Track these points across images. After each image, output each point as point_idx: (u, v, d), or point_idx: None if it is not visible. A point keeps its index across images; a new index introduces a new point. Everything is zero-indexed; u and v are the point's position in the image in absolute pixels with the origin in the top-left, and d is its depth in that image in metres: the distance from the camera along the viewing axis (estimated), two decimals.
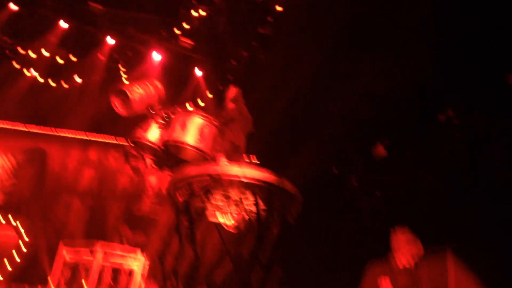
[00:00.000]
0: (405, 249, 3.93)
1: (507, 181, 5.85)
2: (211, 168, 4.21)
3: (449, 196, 6.64)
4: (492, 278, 4.00)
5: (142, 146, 4.87)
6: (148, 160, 4.93)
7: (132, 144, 4.89)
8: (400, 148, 7.46)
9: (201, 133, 4.54)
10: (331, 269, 8.29)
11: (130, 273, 6.47)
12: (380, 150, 7.65)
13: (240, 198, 4.50)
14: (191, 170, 4.26)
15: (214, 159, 4.58)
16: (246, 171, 4.25)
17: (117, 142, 8.41)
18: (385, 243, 4.23)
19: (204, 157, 4.60)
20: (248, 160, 4.82)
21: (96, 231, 7.44)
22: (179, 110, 4.72)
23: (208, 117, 4.59)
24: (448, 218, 6.38)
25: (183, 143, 4.52)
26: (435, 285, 4.18)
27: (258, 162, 4.94)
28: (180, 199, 4.34)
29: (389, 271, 3.93)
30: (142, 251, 6.68)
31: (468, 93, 6.57)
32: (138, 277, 6.40)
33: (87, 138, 8.42)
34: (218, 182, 4.09)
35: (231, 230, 4.72)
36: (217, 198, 4.48)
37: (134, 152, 4.90)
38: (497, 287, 4.96)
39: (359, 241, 7.90)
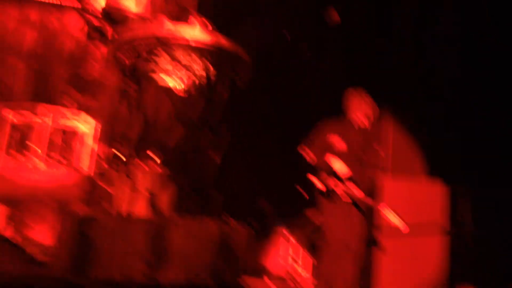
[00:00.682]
0: (359, 110, 3.97)
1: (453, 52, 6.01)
2: (157, 30, 4.10)
3: (398, 61, 6.79)
4: (425, 141, 4.25)
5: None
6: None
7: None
8: (352, 14, 7.39)
9: None
10: (281, 131, 8.59)
11: (83, 135, 6.48)
12: (333, 16, 7.57)
13: (189, 62, 4.46)
14: (136, 32, 4.14)
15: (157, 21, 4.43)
16: (195, 34, 4.17)
17: (59, 3, 7.89)
18: (338, 106, 4.22)
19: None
20: (197, 23, 4.66)
21: (44, 94, 7.28)
22: None
23: None
24: (392, 82, 6.60)
25: (123, 9, 4.32)
26: (378, 144, 4.34)
27: (209, 25, 4.79)
28: (126, 62, 4.26)
29: (342, 130, 3.96)
30: (93, 114, 6.65)
31: None
32: (89, 140, 6.44)
33: None
34: (166, 45, 4.01)
35: (181, 94, 4.74)
36: (165, 62, 4.43)
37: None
38: (428, 147, 5.36)
39: (310, 105, 8.12)
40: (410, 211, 4.86)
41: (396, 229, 4.50)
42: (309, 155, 4.05)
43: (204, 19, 4.78)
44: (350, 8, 7.25)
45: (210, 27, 4.81)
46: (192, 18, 4.69)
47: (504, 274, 5.01)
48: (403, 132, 5.47)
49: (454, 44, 5.95)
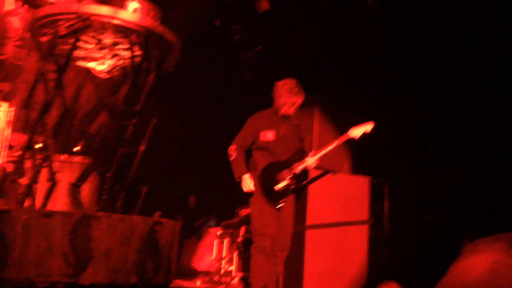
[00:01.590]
0: (288, 97, 4.03)
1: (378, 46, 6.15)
2: (79, 7, 3.80)
3: (324, 51, 6.88)
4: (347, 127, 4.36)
5: None
6: None
7: None
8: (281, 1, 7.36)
9: None
10: (211, 119, 8.48)
11: None
12: (263, 4, 7.50)
13: (114, 43, 4.20)
14: (55, 8, 3.82)
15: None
16: (120, 13, 3.91)
17: None
18: (267, 94, 4.29)
19: None
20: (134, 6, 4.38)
21: None
22: None
23: None
24: (320, 71, 6.69)
25: None
26: (306, 132, 4.45)
27: (153, 10, 4.51)
28: (44, 40, 3.92)
29: (271, 120, 4.05)
30: (6, 98, 6.18)
31: None
32: (2, 125, 5.98)
33: None
34: (87, 23, 3.71)
35: (103, 76, 4.46)
36: (87, 41, 4.13)
37: None
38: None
39: (239, 91, 8.06)
40: (336, 201, 5.05)
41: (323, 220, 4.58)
42: (231, 151, 4.04)
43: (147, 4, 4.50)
44: None
45: (153, 13, 4.52)
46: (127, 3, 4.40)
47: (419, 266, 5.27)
48: (328, 123, 5.57)
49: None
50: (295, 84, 4.07)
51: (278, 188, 3.88)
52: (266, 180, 3.92)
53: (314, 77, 6.19)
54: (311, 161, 3.93)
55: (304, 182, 4.08)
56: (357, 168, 5.53)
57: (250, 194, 3.98)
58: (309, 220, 4.81)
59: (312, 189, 4.86)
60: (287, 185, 3.90)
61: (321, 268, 4.79)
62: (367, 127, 3.98)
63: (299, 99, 4.06)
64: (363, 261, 5.07)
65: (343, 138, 4.01)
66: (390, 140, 5.74)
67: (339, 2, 6.60)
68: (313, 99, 5.36)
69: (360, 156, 5.55)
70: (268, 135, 4.04)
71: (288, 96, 4.02)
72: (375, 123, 4.03)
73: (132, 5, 4.55)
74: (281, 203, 3.85)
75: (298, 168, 3.93)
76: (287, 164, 3.96)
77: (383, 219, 5.98)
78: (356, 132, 3.97)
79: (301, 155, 3.98)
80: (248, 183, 3.90)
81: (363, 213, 5.15)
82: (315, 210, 4.86)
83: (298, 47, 7.28)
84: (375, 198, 5.60)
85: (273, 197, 3.88)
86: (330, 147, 3.97)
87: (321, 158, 4.00)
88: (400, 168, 5.98)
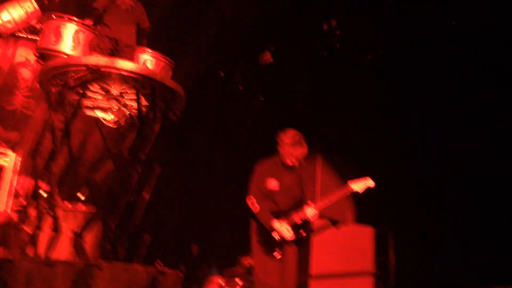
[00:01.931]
0: (290, 149, 4.06)
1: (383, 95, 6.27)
2: (88, 59, 3.93)
3: (324, 101, 7.01)
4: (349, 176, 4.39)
5: None
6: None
7: None
8: (284, 55, 7.55)
9: (76, 39, 4.16)
10: (215, 168, 8.50)
11: (1, 169, 6.08)
12: (267, 57, 7.70)
13: (121, 93, 4.30)
14: (65, 59, 3.94)
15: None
16: (126, 64, 4.03)
17: None
18: (270, 144, 4.34)
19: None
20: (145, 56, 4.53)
21: None
22: (53, 16, 4.27)
23: (81, 22, 4.22)
24: (321, 122, 6.77)
25: (58, 51, 4.12)
26: (308, 181, 4.47)
27: (162, 59, 4.66)
28: (54, 90, 4.03)
29: (276, 169, 4.07)
30: (14, 147, 6.27)
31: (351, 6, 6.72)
32: (9, 174, 6.04)
33: None
34: (96, 74, 3.83)
35: (111, 125, 4.54)
36: (95, 92, 4.24)
37: None
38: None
39: (242, 141, 8.13)
40: (340, 251, 5.01)
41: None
42: (252, 203, 4.03)
43: (157, 54, 4.65)
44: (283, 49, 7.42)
45: (163, 63, 4.67)
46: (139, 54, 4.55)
47: None
48: (330, 172, 5.61)
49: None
50: (297, 135, 4.11)
51: (277, 237, 3.87)
52: (264, 228, 3.91)
53: (317, 127, 6.27)
54: (310, 212, 3.90)
55: (304, 233, 4.03)
56: (361, 218, 5.51)
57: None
58: (313, 270, 4.75)
59: (316, 238, 4.83)
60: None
61: None
62: (369, 182, 3.99)
63: (302, 151, 4.08)
64: None
65: (344, 192, 4.00)
66: (392, 190, 5.74)
67: (340, 54, 6.78)
68: (315, 149, 5.41)
69: (363, 207, 5.54)
70: (273, 184, 4.05)
71: (290, 148, 4.06)
72: (377, 172, 4.05)
73: (143, 57, 4.72)
74: (278, 251, 3.82)
75: (297, 218, 3.90)
76: (286, 214, 3.94)
77: (388, 270, 5.89)
78: (357, 186, 3.98)
79: (300, 204, 3.97)
80: (284, 229, 3.86)
81: (368, 263, 5.10)
82: (319, 260, 4.82)
83: (300, 96, 7.42)
84: (379, 249, 5.54)
85: (272, 245, 3.86)
86: (331, 200, 3.96)
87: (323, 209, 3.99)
88: (403, 218, 5.95)
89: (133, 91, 4.16)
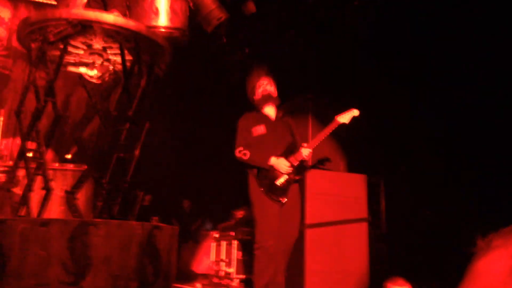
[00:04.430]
0: (253, 82, 4.15)
1: (368, 42, 6.17)
2: (67, 12, 3.75)
3: (310, 51, 6.91)
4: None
5: None
6: None
7: None
8: (267, 4, 7.36)
9: None
10: (199, 121, 8.45)
11: None
12: (250, 6, 7.49)
13: (103, 47, 4.16)
14: (43, 14, 3.76)
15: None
16: (108, 17, 3.87)
17: None
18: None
19: None
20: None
21: None
22: None
23: None
24: (311, 72, 6.71)
25: None
26: (300, 131, 4.50)
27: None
28: (33, 46, 3.86)
29: (260, 119, 4.13)
30: None
31: None
32: None
33: None
34: (76, 28, 3.67)
35: (94, 81, 4.41)
36: (77, 47, 4.09)
37: None
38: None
39: (227, 95, 8.05)
40: (333, 200, 5.07)
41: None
42: (242, 152, 4.05)
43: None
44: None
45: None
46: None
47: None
48: (322, 120, 5.59)
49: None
50: (258, 69, 4.16)
51: (280, 183, 3.90)
52: (265, 177, 3.93)
53: (304, 78, 6.21)
54: (306, 151, 3.99)
55: (304, 173, 4.15)
56: (353, 167, 5.55)
57: (246, 195, 3.98)
58: (308, 219, 4.81)
59: (310, 188, 4.87)
60: (288, 178, 3.94)
61: (323, 267, 4.79)
62: (354, 112, 4.04)
63: (267, 81, 4.12)
64: (364, 259, 5.07)
65: (333, 126, 4.05)
66: (383, 137, 5.77)
67: (326, 3, 6.63)
68: (306, 98, 5.39)
69: (355, 155, 5.57)
70: (260, 129, 4.10)
71: (254, 80, 4.12)
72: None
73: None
74: (283, 197, 3.87)
75: (296, 160, 3.98)
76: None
77: (380, 216, 5.99)
78: (344, 118, 4.02)
79: (295, 148, 4.03)
80: (283, 163, 3.91)
81: (362, 211, 5.17)
82: (314, 209, 4.87)
83: (285, 48, 7.30)
84: (372, 196, 5.62)
85: (276, 192, 3.89)
86: (322, 136, 4.02)
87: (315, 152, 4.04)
88: (395, 164, 6.01)
89: (117, 45, 4.03)
